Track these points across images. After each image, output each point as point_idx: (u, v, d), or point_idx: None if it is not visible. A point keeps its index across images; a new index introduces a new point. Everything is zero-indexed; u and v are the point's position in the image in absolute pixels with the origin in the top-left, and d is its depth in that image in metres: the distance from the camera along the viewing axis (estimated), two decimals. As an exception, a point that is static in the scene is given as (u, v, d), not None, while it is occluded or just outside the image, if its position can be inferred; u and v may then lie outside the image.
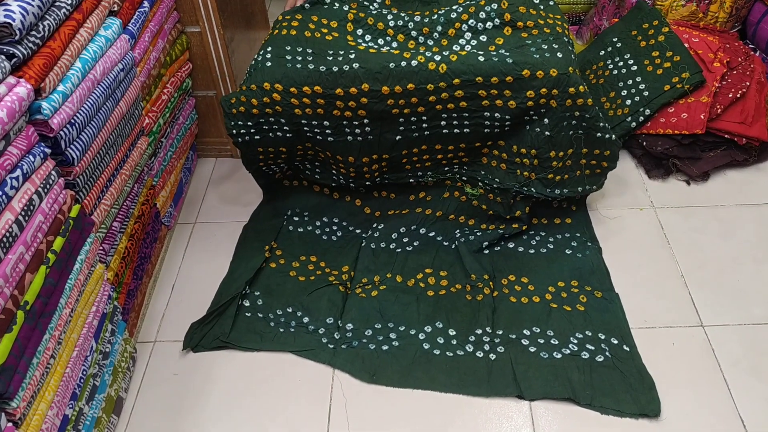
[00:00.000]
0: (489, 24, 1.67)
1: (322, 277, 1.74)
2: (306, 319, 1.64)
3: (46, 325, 1.16)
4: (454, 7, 1.71)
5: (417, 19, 1.73)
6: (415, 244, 1.83)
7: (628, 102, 2.09)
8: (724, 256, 1.77)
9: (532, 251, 1.81)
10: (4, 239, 1.05)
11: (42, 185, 1.16)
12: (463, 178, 1.83)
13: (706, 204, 1.94)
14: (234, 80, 1.98)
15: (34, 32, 1.15)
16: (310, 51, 1.64)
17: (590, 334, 1.57)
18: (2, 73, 1.07)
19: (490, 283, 1.70)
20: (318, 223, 1.90)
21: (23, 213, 1.10)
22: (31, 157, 1.14)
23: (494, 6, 1.67)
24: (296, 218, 1.92)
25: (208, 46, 1.90)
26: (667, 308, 1.64)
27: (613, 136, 1.68)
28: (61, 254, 1.21)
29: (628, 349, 1.54)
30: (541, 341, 1.56)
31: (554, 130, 1.65)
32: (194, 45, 1.91)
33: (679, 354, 1.54)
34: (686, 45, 2.09)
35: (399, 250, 1.81)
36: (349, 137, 1.68)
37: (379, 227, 1.86)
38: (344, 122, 1.65)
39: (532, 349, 1.55)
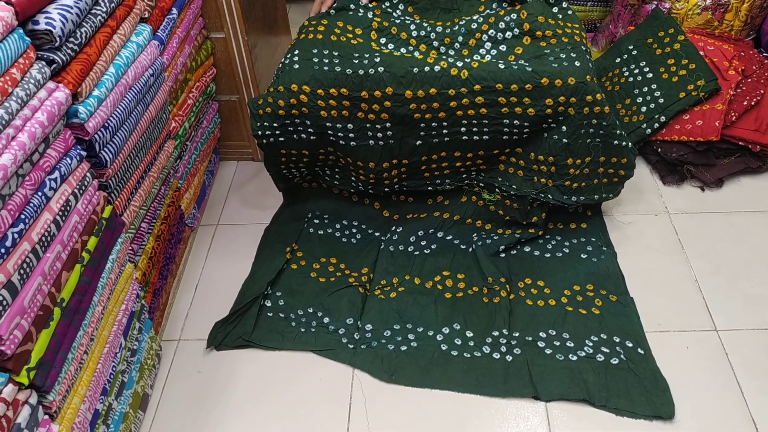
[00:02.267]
0: (509, 34, 1.70)
1: (342, 278, 1.78)
2: (326, 320, 1.68)
3: (80, 322, 1.20)
4: (474, 18, 1.75)
5: (439, 29, 1.77)
6: (433, 247, 1.86)
7: (644, 109, 2.12)
8: (738, 262, 1.79)
9: (548, 255, 1.84)
10: (43, 238, 1.10)
11: (78, 186, 1.20)
12: (481, 184, 1.86)
13: (720, 210, 1.96)
14: (257, 85, 2.02)
15: (72, 39, 1.20)
16: (336, 54, 1.68)
17: (605, 337, 1.60)
18: (43, 79, 1.11)
19: (507, 286, 1.73)
20: (338, 226, 1.94)
21: (60, 213, 1.15)
22: (68, 159, 1.18)
23: (513, 16, 1.70)
24: (316, 221, 1.96)
25: (232, 51, 1.94)
26: (681, 312, 1.67)
27: (630, 143, 1.71)
28: (95, 253, 1.26)
29: (642, 352, 1.56)
30: (557, 343, 1.59)
31: (572, 137, 1.68)
32: (219, 50, 1.96)
33: (692, 357, 1.56)
34: (701, 53, 2.11)
35: (417, 252, 1.85)
36: (371, 141, 1.72)
37: (398, 230, 1.90)
38: (367, 125, 1.69)
39: (548, 351, 1.58)
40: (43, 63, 1.13)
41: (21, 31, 1.08)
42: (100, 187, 1.32)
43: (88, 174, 1.24)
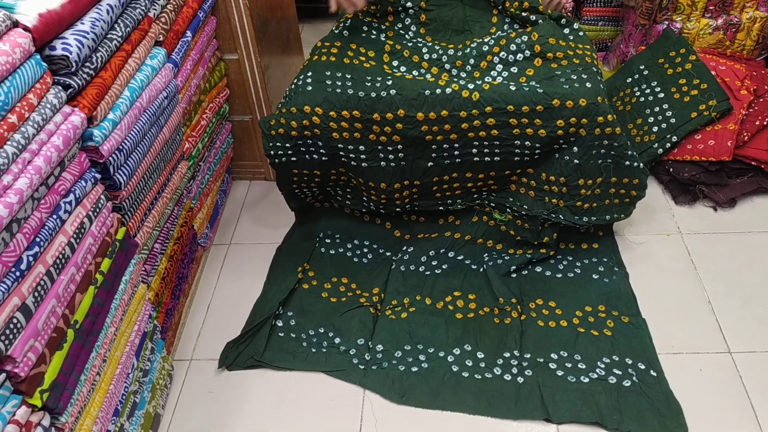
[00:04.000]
0: (520, 56, 1.71)
1: (353, 298, 1.78)
2: (337, 340, 1.68)
3: (93, 343, 1.21)
4: (485, 40, 1.76)
5: (450, 52, 1.78)
6: (444, 267, 1.86)
7: (655, 129, 2.12)
8: (752, 283, 1.78)
9: (559, 275, 1.83)
10: (58, 261, 1.11)
11: (92, 209, 1.22)
12: (492, 204, 1.87)
13: (733, 230, 1.95)
14: (269, 105, 2.04)
15: (88, 63, 1.21)
16: (349, 77, 1.69)
17: (617, 358, 1.59)
18: (59, 103, 1.13)
19: (518, 306, 1.73)
20: (349, 246, 1.95)
21: (75, 236, 1.16)
22: (82, 182, 1.19)
23: (525, 38, 1.71)
24: (328, 240, 1.97)
25: (246, 72, 1.97)
26: (695, 334, 1.66)
27: (641, 164, 1.71)
28: (108, 275, 1.27)
29: (655, 374, 1.55)
30: (569, 365, 1.59)
31: (583, 158, 1.68)
32: (232, 72, 1.98)
33: (706, 380, 1.55)
34: (713, 73, 2.11)
35: (428, 273, 1.85)
36: (382, 163, 1.72)
37: (409, 250, 1.90)
38: (379, 147, 1.70)
39: (560, 373, 1.57)
40: (60, 88, 1.15)
41: (38, 56, 1.09)
42: (114, 208, 1.33)
43: (102, 196, 1.26)
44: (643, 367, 1.57)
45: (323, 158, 1.75)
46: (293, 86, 1.71)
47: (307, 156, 1.74)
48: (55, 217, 1.11)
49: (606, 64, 2.69)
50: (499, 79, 1.70)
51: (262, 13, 1.96)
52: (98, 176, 1.25)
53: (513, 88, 1.63)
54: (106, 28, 1.27)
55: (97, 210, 1.24)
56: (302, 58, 2.58)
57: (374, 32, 1.83)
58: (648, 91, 2.19)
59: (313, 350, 1.66)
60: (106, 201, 1.28)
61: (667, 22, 2.28)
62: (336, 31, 1.84)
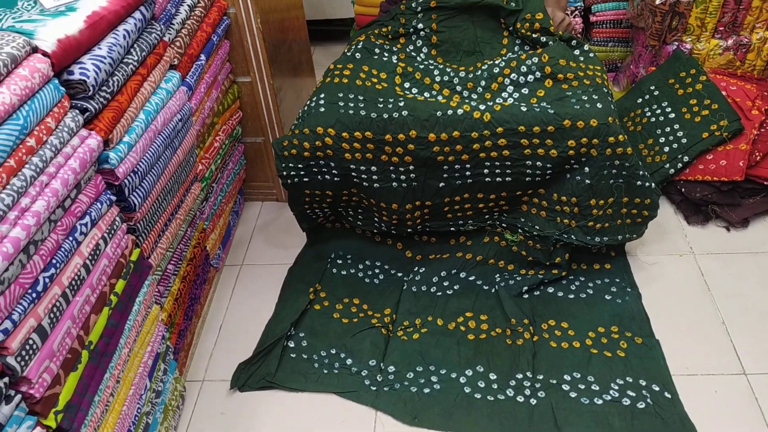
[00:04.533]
0: (530, 77, 1.72)
1: (364, 319, 1.78)
2: (349, 361, 1.68)
3: (107, 365, 1.22)
4: (496, 62, 1.77)
5: (462, 74, 1.79)
6: (455, 287, 1.86)
7: (666, 149, 2.12)
8: (766, 303, 1.77)
9: (571, 296, 1.83)
10: (73, 282, 1.12)
11: (107, 231, 1.23)
12: (503, 224, 1.87)
13: (747, 251, 1.94)
14: (282, 127, 2.06)
15: (104, 87, 1.23)
16: (361, 98, 1.71)
17: (631, 380, 1.58)
18: (76, 126, 1.15)
19: (530, 327, 1.72)
20: (360, 266, 1.95)
21: (90, 257, 1.17)
22: (98, 204, 1.21)
23: (535, 60, 1.72)
24: (339, 261, 1.97)
25: (258, 95, 1.99)
26: (709, 355, 1.64)
27: (653, 184, 1.71)
28: (122, 296, 1.28)
29: (669, 396, 1.54)
30: (582, 387, 1.58)
31: (595, 178, 1.68)
32: (245, 94, 2.00)
33: (721, 402, 1.54)
34: (724, 93, 2.12)
35: (440, 293, 1.85)
36: (394, 183, 1.73)
37: (420, 271, 1.90)
38: (390, 168, 1.71)
39: (573, 395, 1.56)
40: (77, 111, 1.17)
41: (56, 81, 1.11)
42: (129, 230, 1.34)
43: (117, 218, 1.27)
44: (657, 388, 1.56)
45: (335, 179, 1.76)
46: (306, 108, 1.73)
47: (319, 176, 1.76)
48: (71, 239, 1.12)
49: (616, 84, 2.70)
50: (510, 100, 1.72)
51: (274, 36, 1.99)
52: (113, 198, 1.26)
53: (524, 109, 1.64)
54: (123, 52, 1.29)
55: (112, 232, 1.25)
56: (314, 81, 2.60)
57: (386, 54, 1.85)
58: (659, 111, 2.20)
59: (325, 371, 1.66)
60: (121, 223, 1.29)
61: (677, 43, 2.29)
62: (348, 54, 1.86)
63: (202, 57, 1.69)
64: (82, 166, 1.13)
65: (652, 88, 2.25)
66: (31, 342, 1.00)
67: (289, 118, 2.12)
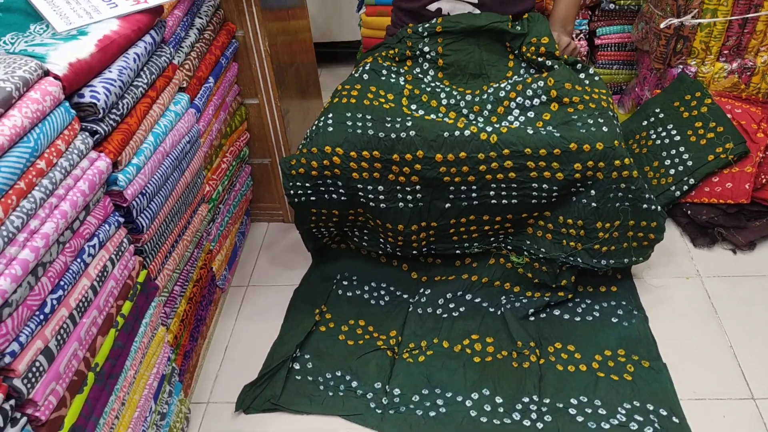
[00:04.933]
0: (536, 101, 1.73)
1: (370, 341, 1.78)
2: (354, 384, 1.67)
3: (113, 387, 1.22)
4: (502, 85, 1.79)
5: (468, 97, 1.81)
6: (461, 309, 1.86)
7: (672, 171, 2.12)
8: (774, 328, 1.76)
9: (578, 319, 1.82)
10: (81, 304, 1.12)
11: (115, 252, 1.24)
12: (509, 246, 1.87)
13: (754, 273, 1.93)
14: (289, 149, 2.07)
15: (114, 110, 1.25)
16: (369, 117, 1.72)
17: (638, 404, 1.57)
18: (86, 149, 1.16)
19: (537, 350, 1.71)
20: (366, 288, 1.95)
21: (98, 279, 1.17)
22: (106, 225, 1.21)
23: (541, 83, 1.73)
24: (345, 282, 1.97)
25: (266, 117, 2.00)
26: (717, 379, 1.63)
27: (659, 207, 1.71)
28: (129, 318, 1.28)
29: (677, 420, 1.53)
30: (589, 411, 1.56)
31: (601, 201, 1.68)
32: (252, 116, 2.02)
33: (729, 427, 1.52)
34: (729, 116, 2.12)
35: (445, 315, 1.85)
36: (400, 203, 1.74)
37: (426, 292, 1.90)
38: (397, 187, 1.71)
39: (580, 419, 1.55)
40: (87, 134, 1.18)
41: (67, 104, 1.13)
42: (136, 251, 1.35)
43: (125, 239, 1.28)
44: (665, 413, 1.54)
45: (342, 198, 1.76)
46: (314, 127, 1.74)
47: (326, 196, 1.76)
48: (79, 260, 1.13)
49: (621, 106, 2.71)
50: (517, 124, 1.72)
51: (282, 59, 2.01)
52: (122, 220, 1.27)
53: (530, 131, 1.65)
54: (133, 75, 1.30)
55: (120, 253, 1.26)
56: (321, 102, 2.62)
57: (393, 76, 1.87)
58: (664, 134, 2.20)
59: (330, 393, 1.66)
60: (129, 244, 1.30)
61: (681, 66, 2.30)
62: (356, 75, 1.88)
63: (211, 79, 1.71)
64: (91, 188, 1.14)
65: (657, 110, 2.26)
66: (37, 364, 1.01)
67: (296, 139, 2.14)
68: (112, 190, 1.25)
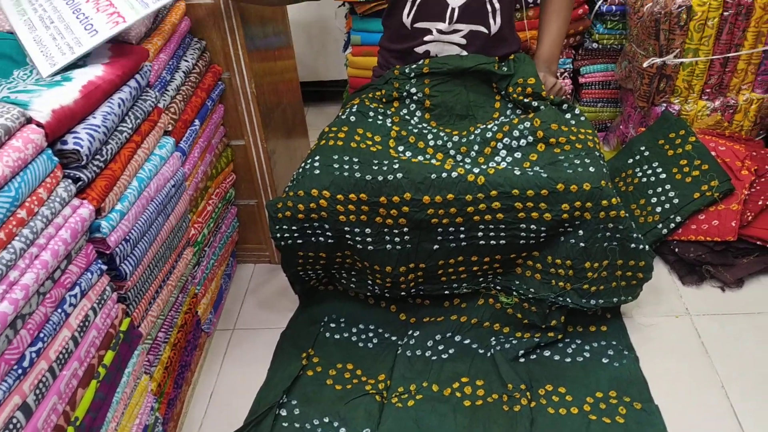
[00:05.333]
0: (523, 141, 1.74)
1: (358, 385, 1.75)
2: (343, 430, 1.63)
3: (94, 440, 1.18)
4: (489, 126, 1.79)
5: (455, 138, 1.81)
6: (450, 351, 1.83)
7: (659, 209, 2.12)
8: (765, 366, 1.75)
9: (568, 360, 1.80)
10: (61, 356, 1.09)
11: (97, 301, 1.21)
12: (498, 287, 1.86)
13: (743, 311, 1.93)
14: (275, 190, 2.06)
15: (98, 156, 1.23)
16: (356, 160, 1.71)
17: (631, 447, 1.55)
18: (68, 196, 1.14)
19: (528, 393, 1.69)
20: (354, 330, 1.93)
21: (79, 329, 1.15)
22: (88, 274, 1.19)
23: (527, 124, 1.74)
24: (333, 324, 1.95)
25: (252, 158, 1.99)
26: (709, 419, 1.61)
27: (647, 246, 1.71)
28: (111, 368, 1.25)
29: (671, 464, 1.51)
30: (582, 455, 1.54)
31: (589, 241, 1.68)
32: (239, 157, 2.01)
33: (724, 470, 1.50)
34: (713, 153, 2.14)
35: (434, 357, 1.82)
36: (388, 246, 1.72)
37: (415, 334, 1.88)
38: (385, 230, 1.70)
39: (573, 464, 1.52)
40: (70, 181, 1.16)
41: (50, 151, 1.11)
42: (119, 299, 1.32)
43: (107, 287, 1.25)
44: (658, 456, 1.52)
45: (329, 241, 1.75)
46: (301, 170, 1.73)
47: (313, 238, 1.75)
48: (59, 311, 1.10)
49: (606, 144, 2.73)
50: (504, 164, 1.72)
51: (268, 100, 2.01)
52: (104, 267, 1.24)
53: (517, 172, 1.65)
54: (117, 120, 1.29)
55: (102, 301, 1.23)
56: (307, 141, 2.62)
57: (380, 117, 1.87)
58: (650, 172, 2.21)
59: (318, 440, 1.62)
60: (111, 292, 1.27)
61: (665, 105, 2.33)
62: (343, 117, 1.88)
63: (197, 122, 1.70)
64: (73, 236, 1.12)
65: (643, 148, 2.28)
66: (15, 421, 0.97)
67: (282, 180, 2.13)
68: (95, 237, 1.22)
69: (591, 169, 1.65)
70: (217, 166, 1.89)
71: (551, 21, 1.96)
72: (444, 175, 1.64)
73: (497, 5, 1.85)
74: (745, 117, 2.33)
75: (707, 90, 2.30)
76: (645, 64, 2.25)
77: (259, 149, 1.97)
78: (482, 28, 1.86)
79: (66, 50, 1.30)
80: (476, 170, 1.65)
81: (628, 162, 2.30)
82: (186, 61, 1.68)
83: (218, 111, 1.88)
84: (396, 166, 1.67)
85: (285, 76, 2.30)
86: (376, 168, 1.68)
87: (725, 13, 2.14)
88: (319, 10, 3.05)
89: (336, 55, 3.15)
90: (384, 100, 1.89)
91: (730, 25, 2.16)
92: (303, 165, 1.74)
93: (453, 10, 1.83)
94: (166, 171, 1.48)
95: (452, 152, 1.79)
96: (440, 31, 1.86)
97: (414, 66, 1.88)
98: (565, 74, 2.66)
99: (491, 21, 1.86)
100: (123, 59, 1.35)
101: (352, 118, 1.85)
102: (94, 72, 1.27)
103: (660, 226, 2.10)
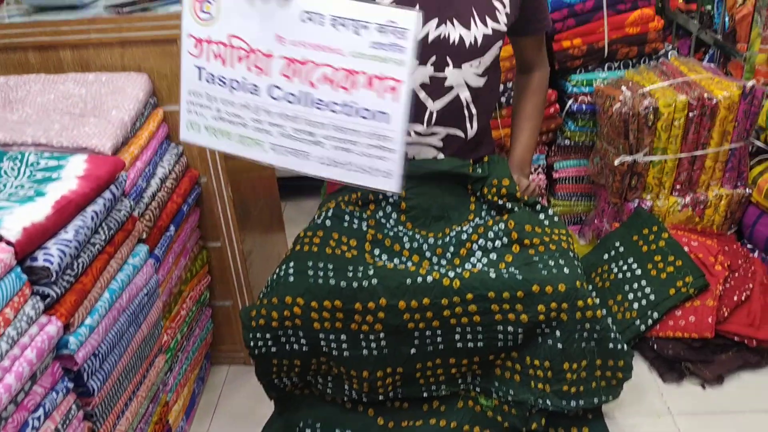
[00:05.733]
0: (498, 243, 1.75)
1: (335, 498, 1.68)
2: None
3: None
4: (464, 228, 1.81)
5: (431, 241, 1.82)
6: (430, 457, 1.78)
7: (636, 305, 2.13)
8: (749, 468, 1.72)
9: (550, 463, 1.76)
10: (21, 484, 1.05)
11: (62, 421, 1.17)
12: (477, 389, 1.83)
13: (725, 410, 1.91)
14: (251, 290, 2.04)
15: (68, 270, 1.22)
16: (331, 267, 1.70)
17: None
18: (36, 315, 1.12)
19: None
20: (331, 436, 1.87)
21: (42, 453, 1.10)
22: (54, 394, 1.15)
23: (501, 226, 1.76)
24: (308, 430, 1.89)
25: (227, 260, 1.98)
26: None
27: (626, 346, 1.70)
28: (75, 492, 1.19)
29: None
30: None
31: (566, 342, 1.67)
32: (214, 258, 2.00)
33: None
34: (687, 249, 2.17)
35: (414, 464, 1.77)
36: (364, 351, 1.70)
37: (393, 440, 1.83)
38: (361, 336, 1.68)
39: None
40: (38, 298, 1.14)
41: (19, 269, 1.10)
42: (85, 416, 1.28)
43: (73, 406, 1.21)
44: None
45: (304, 348, 1.72)
46: (275, 276, 1.72)
47: (287, 346, 1.72)
48: (22, 435, 1.06)
49: (582, 237, 2.76)
50: (479, 266, 1.73)
51: (245, 200, 2.02)
52: (71, 386, 1.21)
53: (493, 275, 1.65)
54: (90, 233, 1.29)
55: (68, 421, 1.19)
56: (284, 237, 2.62)
57: (356, 221, 1.87)
58: (625, 267, 2.23)
59: None
60: (78, 410, 1.23)
61: (637, 200, 2.37)
62: (318, 221, 1.88)
63: (172, 228, 1.70)
64: (39, 356, 1.09)
65: (617, 244, 2.30)
66: None
67: (258, 281, 2.11)
68: (62, 354, 1.19)
69: (566, 270, 1.66)
70: (192, 269, 1.88)
71: (524, 126, 2.02)
72: (419, 279, 1.64)
73: (474, 110, 1.90)
74: (716, 212, 2.38)
75: (677, 186, 2.35)
76: (616, 162, 2.30)
77: (235, 251, 1.97)
78: (459, 132, 1.90)
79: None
80: (452, 274, 1.65)
81: (604, 258, 2.32)
82: (162, 167, 1.70)
83: (194, 215, 1.88)
84: (371, 272, 1.67)
85: (262, 173, 2.33)
86: (351, 274, 1.68)
87: (690, 114, 2.22)
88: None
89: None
90: (360, 202, 1.90)
91: (696, 125, 2.24)
92: (278, 271, 1.73)
93: (431, 113, 1.88)
94: (139, 280, 1.47)
95: (428, 254, 1.79)
96: (418, 134, 1.90)
97: (390, 169, 1.91)
98: (539, 169, 2.72)
99: (468, 126, 1.91)
100: (98, 171, 1.35)
101: (328, 223, 1.86)
102: (68, 186, 1.27)
103: (638, 322, 2.11)
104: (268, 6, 1.21)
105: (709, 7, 2.67)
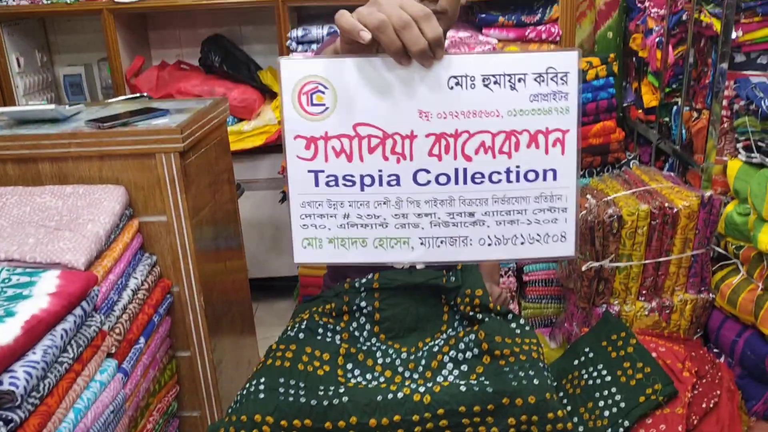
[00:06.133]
0: (468, 354, 1.76)
1: None
2: None
3: None
4: (436, 340, 1.82)
5: (404, 355, 1.82)
6: None
7: (606, 413, 2.13)
8: None
9: None
10: None
11: None
12: (452, 504, 1.79)
13: None
14: (220, 401, 2.01)
15: (34, 393, 1.20)
16: (302, 385, 1.69)
17: None
18: (-2, 442, 1.10)
19: None
20: None
21: None
22: None
23: (472, 337, 1.77)
24: None
25: (197, 369, 1.96)
26: None
27: (598, 458, 1.70)
28: None
29: None
30: None
31: (537, 456, 1.66)
32: (183, 368, 1.97)
33: None
34: (654, 355, 2.19)
35: None
36: (334, 468, 1.67)
37: None
38: None
39: None
40: (1, 423, 1.12)
41: (-17, 394, 1.08)
42: None
43: None
44: None
45: (272, 466, 1.68)
46: (245, 392, 1.70)
47: (255, 465, 1.68)
48: None
49: (552, 340, 2.78)
50: (451, 378, 1.73)
51: (216, 308, 2.02)
52: None
53: (463, 388, 1.65)
54: (59, 353, 1.28)
55: None
56: (255, 341, 2.60)
57: (329, 335, 1.87)
58: (595, 374, 2.24)
59: None
60: None
61: (605, 305, 2.41)
62: (291, 334, 1.88)
63: (142, 340, 1.68)
64: (-2, 488, 1.06)
65: (587, 350, 2.32)
66: None
67: (227, 390, 2.08)
68: (22, 483, 1.16)
69: (535, 381, 1.66)
70: (161, 380, 1.85)
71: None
72: (390, 396, 1.63)
73: None
74: (682, 317, 2.43)
75: (644, 292, 2.41)
76: (583, 268, 2.36)
77: (205, 360, 1.95)
78: None
79: None
80: (422, 389, 1.65)
81: (574, 363, 2.33)
82: (135, 278, 1.70)
83: (165, 324, 1.87)
84: (341, 390, 1.66)
85: (234, 276, 2.33)
86: (321, 393, 1.67)
87: (653, 222, 2.30)
88: (272, 211, 3.16)
89: (288, 253, 3.22)
90: (334, 313, 1.91)
91: (659, 233, 2.32)
92: (248, 386, 1.72)
93: None
94: (105, 397, 1.44)
95: (400, 369, 1.79)
96: None
97: (364, 280, 1.93)
98: (509, 272, 2.77)
99: None
100: (70, 287, 1.36)
101: (301, 335, 1.86)
102: (39, 304, 1.27)
103: (609, 430, 2.10)
104: (407, 79, 1.03)
105: (667, 119, 2.81)
